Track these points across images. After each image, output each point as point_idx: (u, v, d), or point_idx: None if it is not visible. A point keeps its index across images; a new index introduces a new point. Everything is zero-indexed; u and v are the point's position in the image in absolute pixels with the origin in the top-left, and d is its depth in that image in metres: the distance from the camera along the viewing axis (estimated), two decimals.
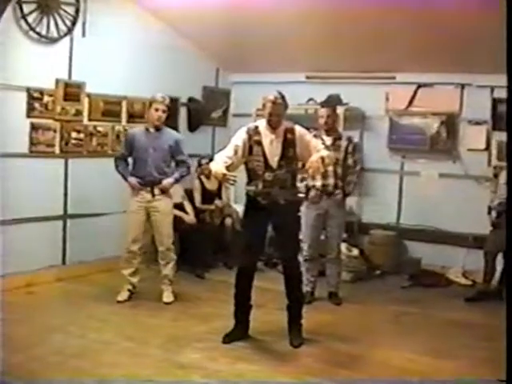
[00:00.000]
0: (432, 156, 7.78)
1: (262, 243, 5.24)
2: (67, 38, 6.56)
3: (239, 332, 5.08)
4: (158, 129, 6.03)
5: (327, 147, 6.07)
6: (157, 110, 5.95)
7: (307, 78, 8.34)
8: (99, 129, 7.05)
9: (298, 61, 7.94)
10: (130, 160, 6.16)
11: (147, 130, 6.07)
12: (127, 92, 7.30)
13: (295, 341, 5.01)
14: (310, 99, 8.10)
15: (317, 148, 5.06)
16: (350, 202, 7.33)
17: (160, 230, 6.11)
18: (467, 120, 7.56)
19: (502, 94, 6.49)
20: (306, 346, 5.00)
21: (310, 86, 8.28)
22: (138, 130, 6.23)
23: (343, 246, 7.00)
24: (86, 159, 6.92)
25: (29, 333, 4.99)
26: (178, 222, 6.77)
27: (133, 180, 6.00)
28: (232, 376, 4.38)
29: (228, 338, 5.00)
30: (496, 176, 6.74)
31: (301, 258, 5.88)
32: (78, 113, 6.77)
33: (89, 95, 6.86)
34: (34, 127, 6.35)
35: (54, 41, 6.43)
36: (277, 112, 4.87)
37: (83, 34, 6.68)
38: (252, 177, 5.00)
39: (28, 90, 6.24)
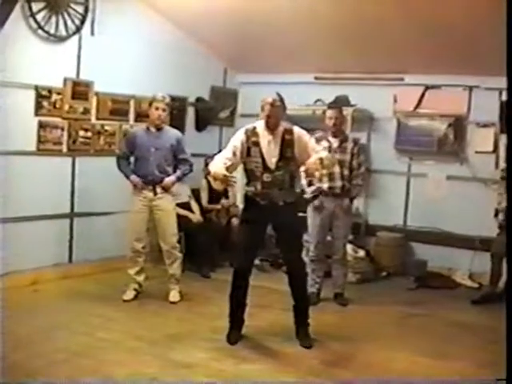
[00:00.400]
0: (439, 158, 7.77)
1: (258, 244, 5.22)
2: (76, 37, 6.59)
3: (237, 331, 5.08)
4: (159, 128, 6.04)
5: (334, 149, 6.09)
6: (157, 108, 5.95)
7: (315, 78, 8.33)
8: (107, 128, 7.07)
9: (306, 62, 7.93)
10: (131, 159, 6.16)
11: (148, 129, 6.07)
12: (135, 91, 7.31)
13: (305, 342, 5.00)
14: (318, 100, 8.09)
15: (315, 149, 5.06)
16: (357, 203, 7.33)
17: (163, 229, 6.11)
18: (475, 122, 7.53)
19: None
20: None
21: (318, 86, 8.27)
22: (139, 129, 6.24)
23: (349, 248, 7.00)
24: (94, 158, 6.94)
25: (33, 330, 5.00)
26: (184, 222, 6.79)
27: (135, 178, 6.00)
28: (236, 376, 4.38)
29: (232, 339, 5.00)
30: (503, 178, 6.71)
31: (307, 259, 5.89)
32: (86, 111, 6.79)
33: (97, 94, 6.88)
34: (41, 125, 6.37)
35: (62, 39, 6.45)
36: (275, 114, 4.87)
37: (92, 33, 6.71)
38: (251, 178, 5.00)
39: (36, 88, 6.26)
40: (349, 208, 6.32)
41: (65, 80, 6.53)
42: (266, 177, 4.89)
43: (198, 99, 8.37)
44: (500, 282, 6.61)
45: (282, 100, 4.92)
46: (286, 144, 4.92)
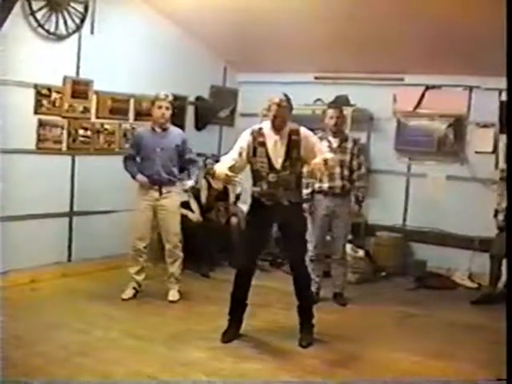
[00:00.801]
0: (439, 158, 7.77)
1: (263, 244, 5.24)
2: (76, 36, 6.58)
3: (235, 330, 5.08)
4: (164, 128, 6.03)
5: (334, 149, 6.09)
6: (160, 107, 5.94)
7: (315, 78, 8.33)
8: (106, 126, 7.07)
9: (306, 61, 7.93)
10: (137, 159, 6.15)
11: (153, 129, 6.07)
12: (135, 90, 7.31)
13: (304, 341, 5.00)
14: (318, 100, 8.09)
15: (321, 150, 5.06)
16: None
17: (167, 228, 6.11)
18: (475, 122, 7.54)
19: None
20: (310, 346, 4.98)
21: (317, 86, 8.28)
22: (144, 129, 6.23)
23: (349, 247, 6.99)
24: (93, 157, 6.94)
25: (32, 329, 4.99)
26: (184, 221, 6.77)
27: (142, 177, 6.00)
28: (235, 375, 4.38)
29: (226, 337, 5.00)
30: (503, 179, 6.71)
31: (306, 258, 5.88)
32: (86, 110, 6.79)
33: (96, 93, 6.88)
34: (41, 124, 6.37)
35: (62, 38, 6.44)
36: (282, 114, 4.86)
37: (92, 32, 6.70)
38: (257, 178, 4.99)
39: (36, 86, 6.26)
40: (348, 208, 6.32)
41: (64, 79, 6.52)
42: (272, 177, 4.89)
43: (198, 98, 8.36)
44: (499, 283, 6.61)
45: (288, 100, 4.91)
46: (293, 144, 4.91)
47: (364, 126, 8.03)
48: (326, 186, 6.14)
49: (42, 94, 6.33)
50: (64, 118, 6.58)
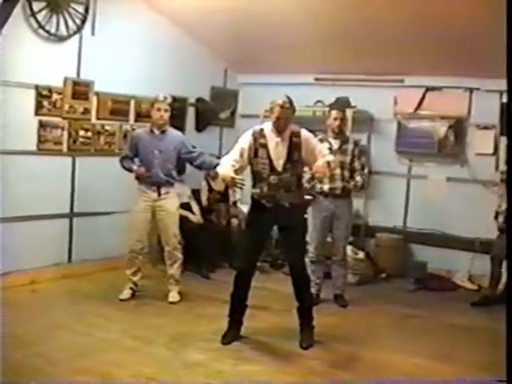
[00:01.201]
0: (440, 160, 7.77)
1: (263, 245, 5.24)
2: (76, 37, 6.57)
3: (235, 332, 5.09)
4: (162, 130, 6.03)
5: (334, 150, 6.08)
6: (159, 109, 5.95)
7: (316, 80, 8.33)
8: (107, 128, 7.07)
9: (306, 63, 7.93)
10: (136, 160, 6.15)
11: (152, 131, 6.06)
12: (135, 91, 7.31)
13: (304, 342, 5.00)
14: (318, 101, 8.09)
15: (322, 153, 5.06)
16: (357, 204, 7.34)
17: (166, 230, 6.11)
18: (475, 124, 7.53)
19: None
20: (310, 348, 4.98)
21: (318, 88, 8.28)
22: (142, 131, 6.22)
23: (349, 249, 6.98)
24: (94, 158, 6.93)
25: (32, 330, 4.99)
26: (184, 222, 6.78)
27: (140, 169, 5.99)
28: (235, 376, 4.37)
29: (227, 339, 5.00)
30: (503, 181, 6.70)
31: (307, 260, 5.88)
32: (86, 111, 6.78)
33: (97, 94, 6.87)
34: (42, 125, 6.37)
35: (63, 39, 6.44)
36: (284, 116, 4.86)
37: (92, 33, 6.70)
38: (257, 179, 4.99)
39: (37, 87, 6.26)
40: (349, 209, 6.32)
41: (65, 80, 6.52)
42: (273, 179, 4.89)
43: (199, 100, 8.37)
44: (500, 285, 6.61)
45: (291, 102, 4.91)
46: (294, 146, 4.91)
47: (364, 128, 8.02)
48: (326, 187, 6.15)
49: (43, 95, 6.33)
50: (64, 119, 6.57)
